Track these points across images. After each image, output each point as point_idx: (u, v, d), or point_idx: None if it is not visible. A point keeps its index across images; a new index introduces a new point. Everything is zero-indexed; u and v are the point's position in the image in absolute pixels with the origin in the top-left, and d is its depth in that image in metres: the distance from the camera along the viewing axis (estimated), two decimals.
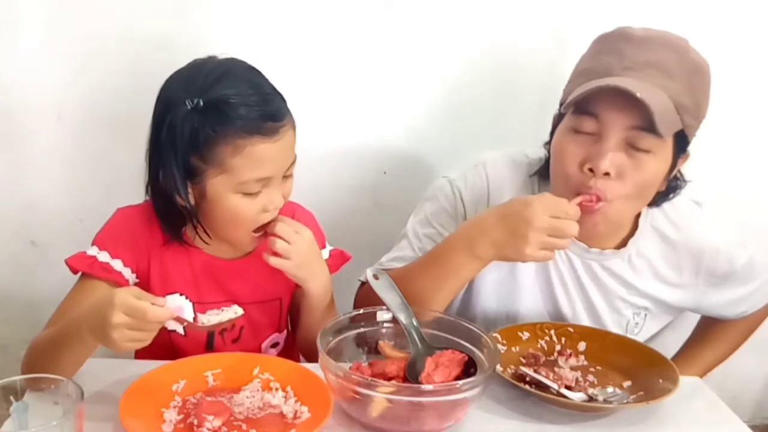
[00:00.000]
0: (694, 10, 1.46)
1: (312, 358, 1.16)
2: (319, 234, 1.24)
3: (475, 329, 1.04)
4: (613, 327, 1.28)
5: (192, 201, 1.06)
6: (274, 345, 1.24)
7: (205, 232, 1.11)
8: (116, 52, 1.41)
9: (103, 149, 1.48)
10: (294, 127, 1.07)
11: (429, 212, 1.27)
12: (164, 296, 0.89)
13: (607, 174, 1.07)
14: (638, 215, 1.23)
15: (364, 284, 1.26)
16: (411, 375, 0.99)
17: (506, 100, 1.53)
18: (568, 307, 1.27)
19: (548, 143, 1.20)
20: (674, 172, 1.16)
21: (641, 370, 1.10)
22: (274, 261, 1.07)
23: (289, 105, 1.06)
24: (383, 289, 1.08)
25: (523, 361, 1.13)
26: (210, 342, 1.17)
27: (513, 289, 1.26)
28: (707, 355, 1.40)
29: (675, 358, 1.37)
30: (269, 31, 1.43)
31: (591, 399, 1.04)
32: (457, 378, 0.99)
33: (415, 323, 1.05)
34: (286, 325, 1.26)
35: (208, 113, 1.00)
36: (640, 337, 1.29)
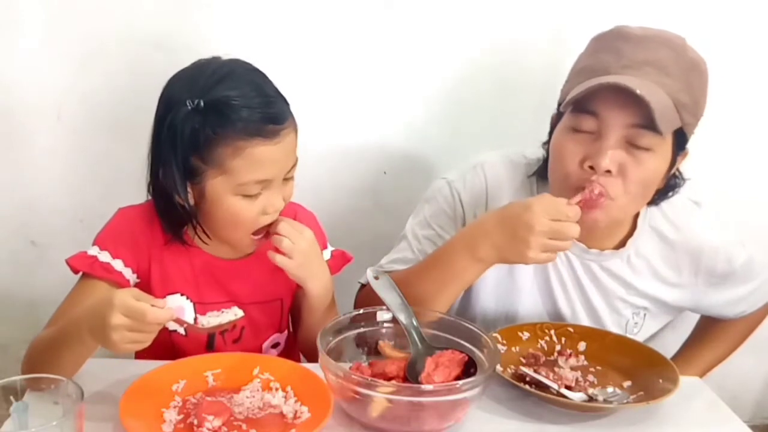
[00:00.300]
0: (693, 10, 1.46)
1: (313, 358, 1.16)
2: (320, 235, 1.24)
3: (475, 329, 1.04)
4: (613, 327, 1.28)
5: (191, 201, 1.06)
6: (275, 345, 1.24)
7: (205, 232, 1.11)
8: (116, 52, 1.41)
9: (103, 149, 1.48)
10: (296, 130, 1.07)
11: (428, 214, 1.27)
12: (165, 296, 0.89)
13: (608, 171, 1.07)
14: (637, 215, 1.23)
15: (364, 286, 1.26)
16: (411, 375, 0.99)
17: (506, 99, 1.53)
18: (567, 308, 1.27)
19: (546, 143, 1.20)
20: (673, 170, 1.16)
21: (641, 370, 1.10)
22: (279, 259, 1.07)
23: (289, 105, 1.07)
24: (383, 289, 1.08)
25: (523, 361, 1.13)
26: (211, 342, 1.17)
27: (512, 290, 1.26)
28: (707, 354, 1.40)
29: (674, 358, 1.37)
30: (269, 31, 1.43)
31: (591, 399, 1.04)
32: (457, 378, 0.99)
33: (415, 323, 1.05)
34: (287, 326, 1.26)
35: (209, 114, 1.00)
36: (640, 337, 1.29)
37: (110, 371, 1.01)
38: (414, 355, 1.03)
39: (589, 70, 1.10)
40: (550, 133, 1.19)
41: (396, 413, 0.92)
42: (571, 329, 1.20)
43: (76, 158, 1.49)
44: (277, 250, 1.07)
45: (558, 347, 1.18)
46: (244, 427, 0.92)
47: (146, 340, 0.88)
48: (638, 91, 1.00)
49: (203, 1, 1.41)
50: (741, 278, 1.28)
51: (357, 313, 1.08)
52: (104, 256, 1.09)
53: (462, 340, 1.05)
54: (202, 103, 0.99)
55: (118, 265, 1.09)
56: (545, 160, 1.20)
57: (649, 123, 1.03)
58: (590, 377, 1.12)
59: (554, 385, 1.03)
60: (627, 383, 1.10)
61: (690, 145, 1.14)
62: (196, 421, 0.91)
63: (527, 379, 1.05)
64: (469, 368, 1.00)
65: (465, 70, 1.51)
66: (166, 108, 1.03)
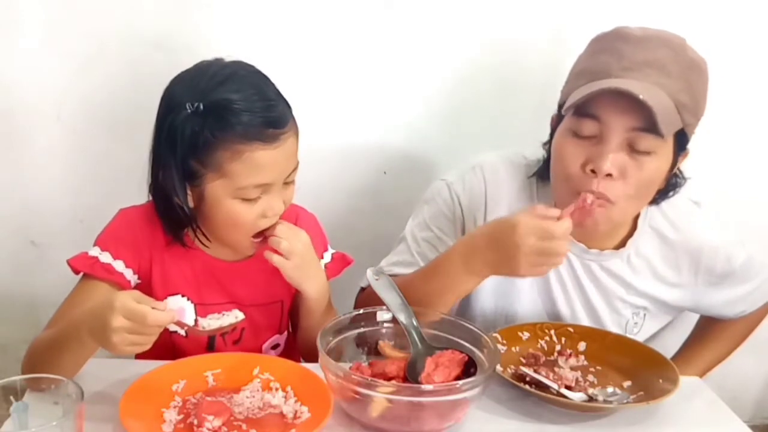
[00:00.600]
0: (693, 10, 1.46)
1: (311, 359, 1.16)
2: (321, 237, 1.24)
3: (475, 329, 1.04)
4: (612, 327, 1.28)
5: (190, 203, 1.06)
6: (275, 346, 1.24)
7: (204, 234, 1.10)
8: (116, 52, 1.41)
9: (103, 149, 1.48)
10: (297, 134, 1.06)
11: (427, 216, 1.27)
12: (166, 297, 0.89)
13: (609, 175, 1.07)
14: (637, 215, 1.23)
15: (364, 290, 1.26)
16: (411, 375, 0.99)
17: (507, 99, 1.53)
18: (567, 308, 1.27)
19: (546, 143, 1.20)
20: (674, 170, 1.16)
21: (641, 370, 1.10)
22: (276, 259, 1.07)
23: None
24: (383, 289, 1.08)
25: (523, 361, 1.13)
26: (211, 343, 1.17)
27: (511, 290, 1.26)
28: (707, 354, 1.40)
29: (674, 357, 1.37)
30: (269, 31, 1.43)
31: (591, 399, 1.04)
32: (457, 378, 0.99)
33: (415, 323, 1.05)
34: (287, 327, 1.26)
35: (209, 117, 0.99)
36: (640, 337, 1.29)
37: (110, 371, 1.01)
38: (414, 355, 1.03)
39: (590, 72, 1.10)
40: (551, 135, 1.19)
41: (396, 413, 0.92)
42: (571, 329, 1.20)
43: (76, 158, 1.49)
44: (275, 251, 1.07)
45: (558, 347, 1.18)
46: (244, 427, 0.92)
47: (147, 342, 0.88)
48: (641, 97, 1.00)
49: (203, 1, 1.41)
50: (741, 278, 1.28)
51: (357, 313, 1.08)
52: (105, 257, 1.09)
53: (462, 340, 1.05)
54: (201, 106, 0.99)
55: (119, 266, 1.09)
56: (546, 161, 1.20)
57: (650, 126, 1.03)
58: (590, 377, 1.12)
59: (554, 385, 1.03)
60: (627, 383, 1.10)
61: (690, 145, 1.14)
62: (196, 421, 0.91)
63: (527, 379, 1.05)
64: (469, 368, 1.00)
65: (465, 70, 1.51)
66: (166, 109, 1.03)
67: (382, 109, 1.53)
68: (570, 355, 1.16)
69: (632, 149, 1.07)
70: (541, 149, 1.23)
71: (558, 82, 1.18)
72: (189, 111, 0.99)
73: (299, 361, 1.15)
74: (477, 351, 1.03)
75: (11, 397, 0.81)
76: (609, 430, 1.00)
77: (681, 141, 1.11)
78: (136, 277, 1.12)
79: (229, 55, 1.06)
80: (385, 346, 1.08)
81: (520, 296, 1.27)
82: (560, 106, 1.16)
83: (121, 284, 1.09)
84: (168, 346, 1.14)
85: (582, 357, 1.17)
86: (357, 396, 0.92)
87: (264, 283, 1.17)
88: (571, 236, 1.21)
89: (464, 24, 1.48)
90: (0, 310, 1.57)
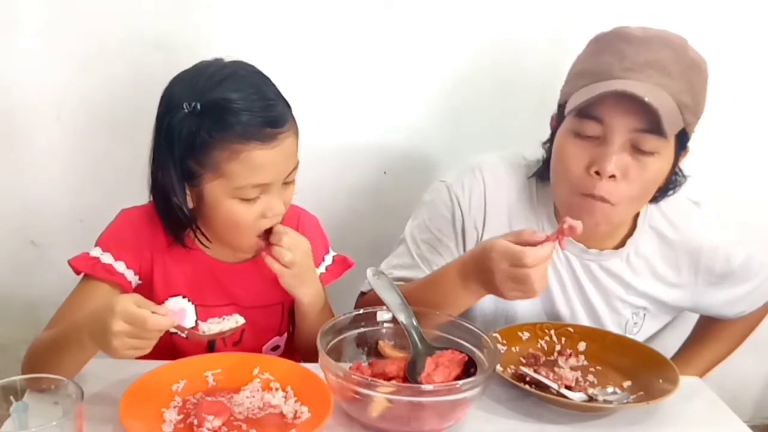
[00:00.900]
0: (693, 10, 1.46)
1: (310, 360, 1.16)
2: (322, 239, 1.24)
3: (475, 329, 1.04)
4: (612, 327, 1.28)
5: (190, 204, 1.06)
6: (275, 348, 1.24)
7: (204, 235, 1.10)
8: (116, 52, 1.41)
9: (103, 149, 1.48)
10: (296, 134, 1.06)
11: (426, 218, 1.27)
12: (167, 298, 0.89)
13: (612, 176, 1.07)
14: (636, 215, 1.23)
15: (364, 294, 1.25)
16: (411, 375, 0.99)
17: (507, 99, 1.53)
18: (566, 308, 1.27)
19: (546, 143, 1.20)
20: (675, 169, 1.16)
21: (641, 370, 1.10)
22: (278, 267, 1.07)
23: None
24: (383, 289, 1.08)
25: (523, 361, 1.13)
26: (211, 345, 1.16)
27: None
28: (707, 354, 1.40)
29: (674, 357, 1.37)
30: (269, 31, 1.43)
31: (591, 399, 1.04)
32: (457, 378, 0.99)
33: (415, 323, 1.05)
34: (287, 329, 1.26)
35: (206, 117, 0.99)
36: (639, 337, 1.29)
37: (110, 371, 1.01)
38: (414, 355, 1.03)
39: (591, 73, 1.10)
40: (552, 135, 1.18)
41: (396, 413, 0.92)
42: (571, 329, 1.20)
43: (76, 158, 1.49)
44: (277, 260, 1.07)
45: (558, 347, 1.18)
46: (244, 427, 0.92)
47: (147, 346, 0.88)
48: (646, 99, 1.00)
49: (203, 1, 1.41)
50: (740, 278, 1.28)
51: (357, 313, 1.08)
52: (106, 258, 1.09)
53: (462, 340, 1.05)
54: (198, 106, 0.99)
55: (120, 266, 1.09)
56: (545, 161, 1.20)
57: (654, 127, 1.03)
58: (590, 377, 1.12)
59: (554, 385, 1.03)
60: (627, 383, 1.10)
61: (690, 144, 1.14)
62: (196, 421, 0.91)
63: (527, 379, 1.05)
64: (469, 368, 1.00)
65: (465, 70, 1.51)
66: (166, 109, 1.03)
67: (382, 109, 1.53)
68: (570, 355, 1.16)
69: (635, 150, 1.07)
70: (541, 149, 1.23)
71: (558, 82, 1.19)
72: (186, 111, 0.99)
73: (299, 362, 1.15)
74: (477, 351, 1.03)
75: (11, 397, 0.81)
76: (609, 430, 1.00)
77: (682, 140, 1.12)
78: (137, 278, 1.12)
79: (230, 55, 1.06)
80: (385, 346, 1.08)
81: None
82: (560, 106, 1.16)
83: (122, 285, 1.09)
84: (168, 347, 1.13)
85: (582, 357, 1.16)
86: (357, 396, 0.92)
87: (265, 285, 1.16)
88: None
89: (464, 24, 1.48)
90: (0, 310, 1.57)
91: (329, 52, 1.47)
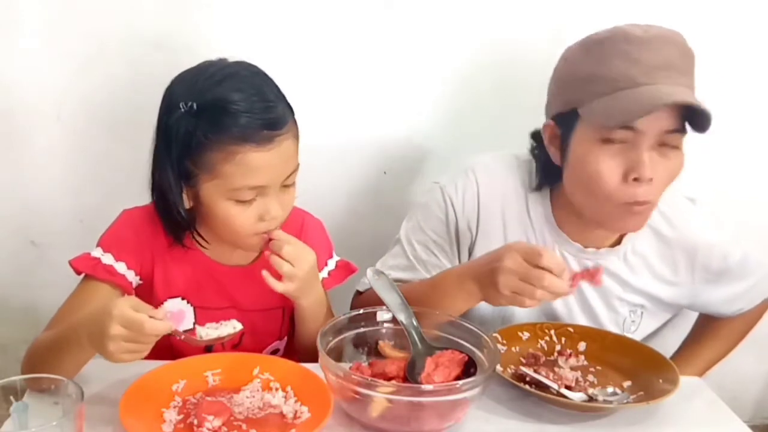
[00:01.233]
0: (693, 9, 1.46)
1: (309, 362, 1.15)
2: (327, 244, 1.23)
3: (475, 329, 1.04)
4: (610, 325, 1.28)
5: (187, 204, 1.05)
6: (274, 352, 1.23)
7: (201, 236, 1.10)
8: (116, 52, 1.41)
9: (104, 149, 1.48)
10: (296, 136, 1.05)
11: (421, 219, 1.27)
12: (167, 299, 0.89)
13: (650, 179, 1.07)
14: None
15: (361, 294, 1.26)
16: (411, 375, 0.99)
17: (506, 99, 1.53)
18: (564, 307, 1.27)
19: (534, 149, 1.21)
20: None
21: (641, 370, 1.11)
22: (272, 282, 1.04)
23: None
24: (383, 288, 1.08)
25: (523, 361, 1.13)
26: (209, 347, 1.16)
27: None
28: (706, 353, 1.40)
29: (674, 356, 1.37)
30: (269, 31, 1.43)
31: (591, 399, 1.04)
32: (457, 378, 0.99)
33: (415, 323, 1.05)
34: (287, 332, 1.25)
35: (203, 118, 0.99)
36: (637, 335, 1.29)
37: (110, 371, 1.01)
38: (414, 355, 1.03)
39: (606, 79, 1.07)
40: (550, 144, 1.18)
41: (396, 413, 0.92)
42: (571, 329, 1.20)
43: (76, 158, 1.49)
44: (273, 270, 1.04)
45: (558, 347, 1.18)
46: (244, 427, 0.92)
47: (143, 351, 0.87)
48: (701, 106, 1.01)
49: (203, 1, 1.41)
50: (737, 275, 1.28)
51: (357, 313, 1.08)
52: (107, 258, 1.09)
53: (462, 340, 1.05)
54: (195, 106, 0.99)
55: (121, 267, 1.09)
56: (546, 174, 1.20)
57: (682, 127, 1.05)
58: (590, 377, 1.12)
59: (554, 385, 1.03)
60: (627, 383, 1.10)
61: (690, 144, 1.14)
62: (196, 421, 0.91)
63: (527, 379, 1.05)
64: (469, 368, 1.00)
65: (465, 70, 1.51)
66: (166, 109, 1.03)
67: (383, 109, 1.53)
68: (570, 355, 1.16)
69: (661, 145, 1.08)
70: (530, 155, 1.23)
71: None
72: (183, 110, 0.99)
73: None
74: (477, 351, 1.03)
75: (11, 397, 0.81)
76: (609, 430, 1.00)
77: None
78: (137, 278, 1.12)
79: (232, 55, 1.06)
80: (385, 346, 1.08)
81: None
82: (561, 114, 1.14)
83: (123, 286, 1.09)
84: (167, 347, 1.13)
85: (582, 357, 1.17)
86: (357, 396, 0.92)
87: (265, 288, 1.14)
88: (566, 235, 1.21)
89: (464, 24, 1.48)
90: (0, 310, 1.57)
91: (329, 52, 1.47)
